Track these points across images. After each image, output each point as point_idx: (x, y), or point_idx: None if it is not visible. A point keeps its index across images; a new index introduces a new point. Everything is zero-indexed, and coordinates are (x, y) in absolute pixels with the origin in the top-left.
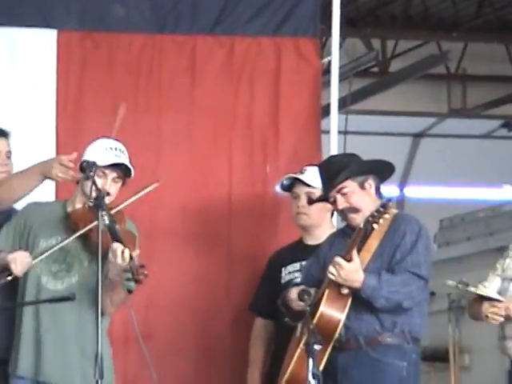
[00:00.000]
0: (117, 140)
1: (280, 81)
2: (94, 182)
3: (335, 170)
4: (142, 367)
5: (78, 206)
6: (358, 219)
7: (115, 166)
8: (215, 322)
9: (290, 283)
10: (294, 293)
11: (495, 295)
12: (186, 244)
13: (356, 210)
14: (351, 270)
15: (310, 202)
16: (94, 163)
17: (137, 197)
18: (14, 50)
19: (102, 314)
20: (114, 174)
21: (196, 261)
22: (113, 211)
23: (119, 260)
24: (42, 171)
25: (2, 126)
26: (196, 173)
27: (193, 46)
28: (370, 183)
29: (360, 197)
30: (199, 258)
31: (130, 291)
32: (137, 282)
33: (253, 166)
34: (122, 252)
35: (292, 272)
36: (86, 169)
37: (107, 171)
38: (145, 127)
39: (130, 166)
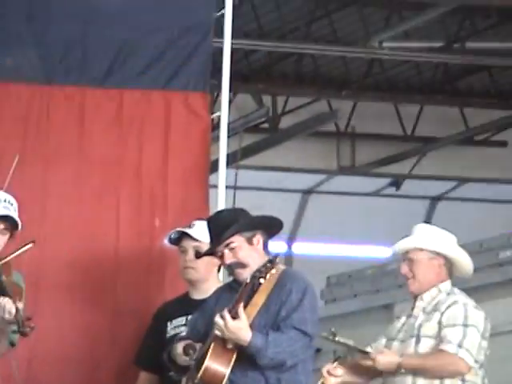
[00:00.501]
0: (7, 192)
1: (169, 135)
2: None
3: (223, 225)
4: None
5: None
6: (245, 274)
7: (3, 218)
8: (100, 376)
9: (176, 337)
10: (179, 347)
11: (363, 348)
12: (71, 296)
13: (243, 266)
14: (238, 328)
15: (198, 255)
16: None
17: (12, 256)
18: None
19: None
20: (1, 226)
21: (81, 313)
22: None
23: (5, 314)
24: None
25: None
26: (83, 225)
27: (82, 97)
28: (258, 239)
29: (247, 252)
30: (85, 310)
31: (12, 344)
32: (22, 334)
33: (141, 219)
34: (11, 304)
35: (177, 326)
36: None
37: None
38: (32, 178)
39: (17, 219)
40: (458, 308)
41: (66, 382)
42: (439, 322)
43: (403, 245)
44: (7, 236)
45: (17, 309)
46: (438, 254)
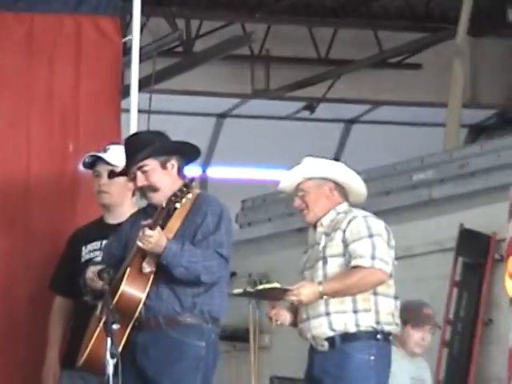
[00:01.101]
0: None
1: (81, 59)
2: None
3: (139, 147)
4: None
5: None
6: (157, 198)
7: None
8: (13, 300)
9: (91, 262)
10: (90, 272)
11: (284, 285)
12: None
13: (155, 189)
14: (155, 235)
15: (110, 175)
16: None
17: None
18: None
19: None
20: None
21: None
22: None
23: None
24: None
25: None
26: None
27: None
28: (173, 164)
29: (160, 176)
30: None
31: None
32: None
33: (53, 143)
34: None
35: (92, 251)
36: None
37: None
38: None
39: None
40: (358, 221)
41: None
42: (343, 240)
43: (291, 177)
44: None
45: None
46: (325, 179)
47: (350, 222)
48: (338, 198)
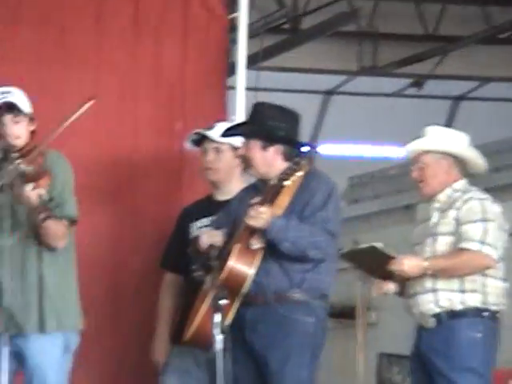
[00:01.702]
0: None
1: (187, 36)
2: None
3: (261, 120)
4: None
5: None
6: (252, 172)
7: (8, 109)
8: (122, 276)
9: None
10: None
11: (390, 252)
12: (90, 200)
13: (249, 164)
14: (263, 211)
15: (225, 135)
16: None
17: (74, 117)
18: None
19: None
20: (9, 116)
21: (101, 216)
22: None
23: (28, 203)
24: None
25: None
26: (101, 127)
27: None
28: (277, 150)
29: (259, 155)
30: (105, 213)
31: (71, 220)
32: (50, 217)
33: (159, 121)
34: (30, 193)
35: (201, 227)
36: None
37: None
38: (52, 79)
39: (16, 101)
40: (474, 203)
41: (89, 284)
42: (456, 219)
43: (411, 148)
44: (23, 122)
45: (39, 195)
46: (445, 153)
47: (466, 201)
48: (456, 175)
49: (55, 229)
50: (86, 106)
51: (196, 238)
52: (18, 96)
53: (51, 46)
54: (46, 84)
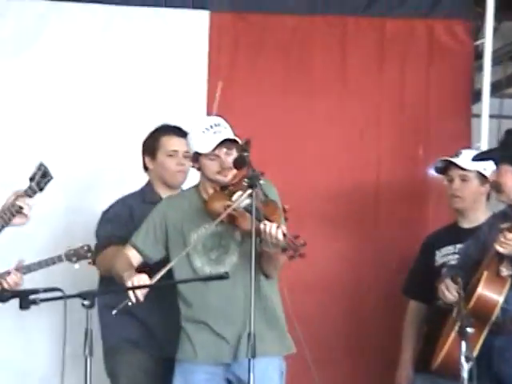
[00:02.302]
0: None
1: (431, 63)
2: (249, 164)
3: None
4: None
5: (211, 191)
6: (501, 198)
7: (225, 141)
8: (364, 305)
9: (444, 266)
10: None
11: None
12: (332, 226)
13: (499, 190)
14: None
15: (475, 159)
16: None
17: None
18: (167, 30)
19: (269, 277)
20: (224, 150)
21: (343, 243)
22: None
23: (274, 240)
24: None
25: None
26: (345, 155)
27: (344, 27)
28: None
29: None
30: (347, 240)
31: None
32: (301, 256)
33: (402, 149)
34: (276, 230)
35: (446, 255)
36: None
37: (216, 152)
38: (295, 108)
39: (229, 136)
40: None
41: (329, 309)
42: None
43: None
44: (234, 152)
45: (283, 234)
46: None
47: None
48: None
49: (282, 259)
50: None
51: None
52: (228, 128)
53: (294, 74)
54: (289, 113)
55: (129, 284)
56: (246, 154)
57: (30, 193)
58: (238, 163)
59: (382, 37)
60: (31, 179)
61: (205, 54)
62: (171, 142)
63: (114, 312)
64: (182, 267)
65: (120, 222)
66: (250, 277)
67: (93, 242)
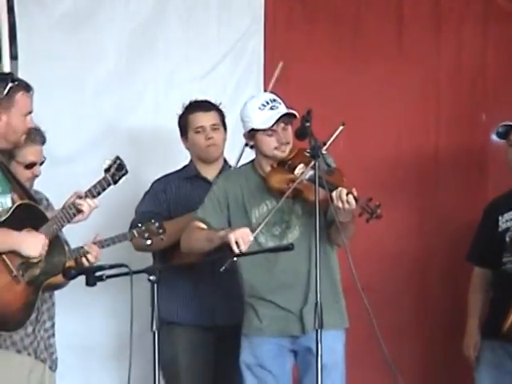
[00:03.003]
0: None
1: (488, 26)
2: (311, 135)
3: None
4: (360, 317)
5: (267, 168)
6: None
7: (285, 116)
8: (429, 272)
9: (508, 231)
10: None
11: None
12: (391, 193)
13: None
14: None
15: None
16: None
17: (329, 143)
18: (224, 6)
19: (340, 246)
20: (282, 125)
21: (404, 211)
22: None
23: (347, 206)
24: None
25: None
26: (405, 123)
27: None
28: None
29: None
30: (407, 208)
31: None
32: (378, 217)
33: (462, 113)
34: (347, 196)
35: (509, 220)
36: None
37: (274, 127)
38: (351, 75)
39: (287, 110)
40: None
41: (396, 279)
42: None
43: None
44: (290, 127)
45: (355, 198)
46: None
47: None
48: None
49: (353, 227)
50: (338, 132)
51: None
52: (280, 102)
53: (350, 42)
54: (342, 82)
55: (231, 237)
56: (307, 124)
57: (98, 189)
58: (301, 134)
59: (437, 4)
60: (106, 170)
61: (260, 28)
62: (197, 119)
63: (221, 269)
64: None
65: (157, 198)
66: (316, 249)
67: None
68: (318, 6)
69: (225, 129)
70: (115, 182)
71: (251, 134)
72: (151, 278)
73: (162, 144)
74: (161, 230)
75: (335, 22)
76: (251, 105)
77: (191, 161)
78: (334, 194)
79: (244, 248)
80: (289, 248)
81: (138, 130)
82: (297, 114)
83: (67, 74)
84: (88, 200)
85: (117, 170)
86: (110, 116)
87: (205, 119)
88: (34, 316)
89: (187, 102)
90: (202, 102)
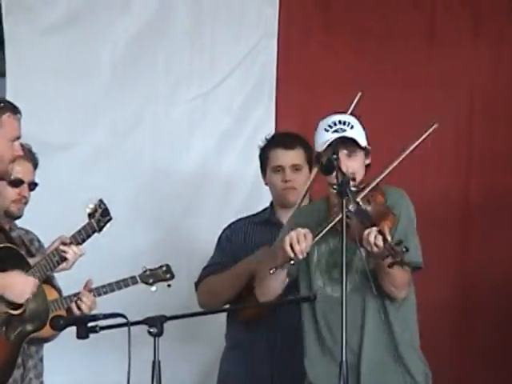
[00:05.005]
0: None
1: None
2: (338, 168)
3: None
4: None
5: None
6: None
7: (343, 142)
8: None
9: None
10: None
11: None
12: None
13: None
14: None
15: None
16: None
17: (413, 147)
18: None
19: (392, 299)
20: (345, 151)
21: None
22: (363, 192)
23: (373, 248)
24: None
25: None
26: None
27: None
28: None
29: None
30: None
31: (416, 267)
32: (402, 264)
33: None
34: (375, 238)
35: None
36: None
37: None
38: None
39: (352, 135)
40: None
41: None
42: None
43: None
44: (358, 157)
45: (385, 239)
46: None
47: None
48: None
49: (401, 276)
50: (428, 132)
51: None
52: (357, 128)
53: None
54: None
55: (287, 241)
56: (334, 156)
57: (83, 236)
58: (326, 169)
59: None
60: (90, 215)
61: (273, 42)
62: (276, 156)
63: (271, 271)
64: (305, 286)
65: (222, 248)
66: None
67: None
68: (340, 15)
69: (310, 167)
70: (100, 229)
71: (317, 159)
72: (151, 330)
73: (161, 175)
74: (168, 275)
75: (359, 33)
76: (321, 124)
77: (272, 203)
78: (365, 233)
79: (299, 250)
80: (309, 299)
81: (136, 154)
82: (361, 142)
83: (58, 90)
84: (73, 247)
85: (102, 216)
86: (102, 139)
87: (285, 159)
88: (18, 374)
89: (271, 134)
90: (285, 136)
